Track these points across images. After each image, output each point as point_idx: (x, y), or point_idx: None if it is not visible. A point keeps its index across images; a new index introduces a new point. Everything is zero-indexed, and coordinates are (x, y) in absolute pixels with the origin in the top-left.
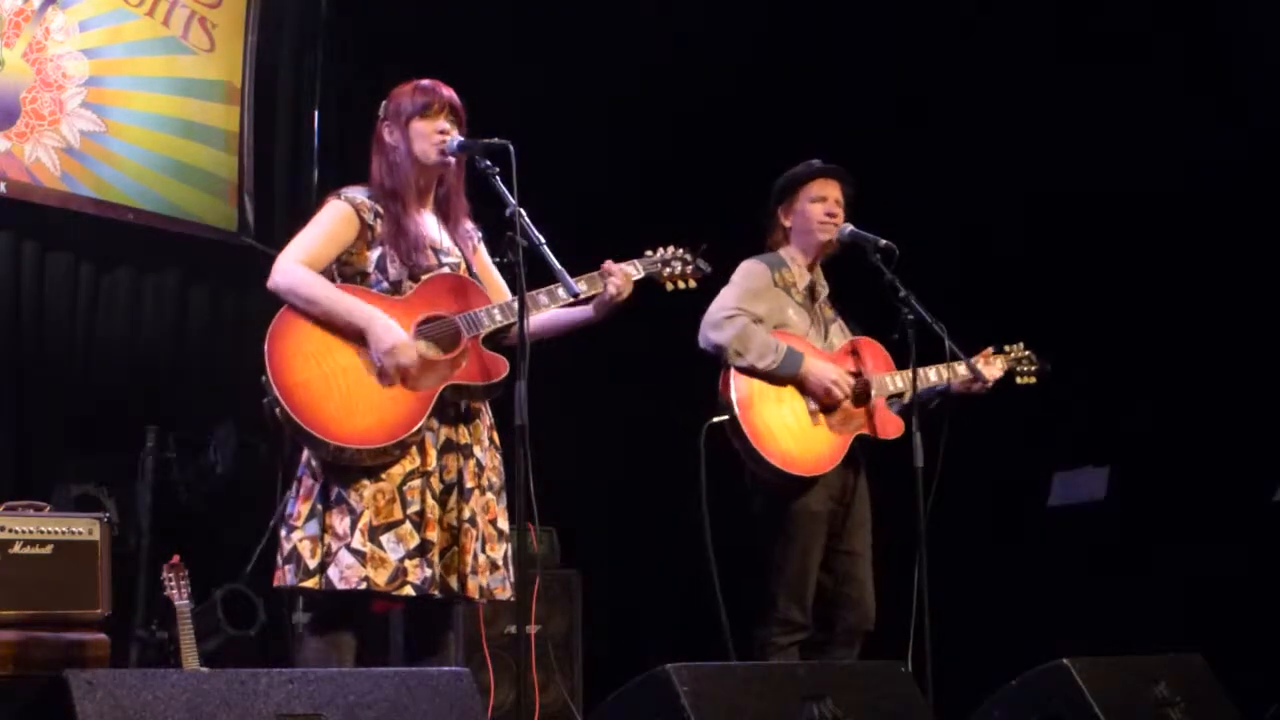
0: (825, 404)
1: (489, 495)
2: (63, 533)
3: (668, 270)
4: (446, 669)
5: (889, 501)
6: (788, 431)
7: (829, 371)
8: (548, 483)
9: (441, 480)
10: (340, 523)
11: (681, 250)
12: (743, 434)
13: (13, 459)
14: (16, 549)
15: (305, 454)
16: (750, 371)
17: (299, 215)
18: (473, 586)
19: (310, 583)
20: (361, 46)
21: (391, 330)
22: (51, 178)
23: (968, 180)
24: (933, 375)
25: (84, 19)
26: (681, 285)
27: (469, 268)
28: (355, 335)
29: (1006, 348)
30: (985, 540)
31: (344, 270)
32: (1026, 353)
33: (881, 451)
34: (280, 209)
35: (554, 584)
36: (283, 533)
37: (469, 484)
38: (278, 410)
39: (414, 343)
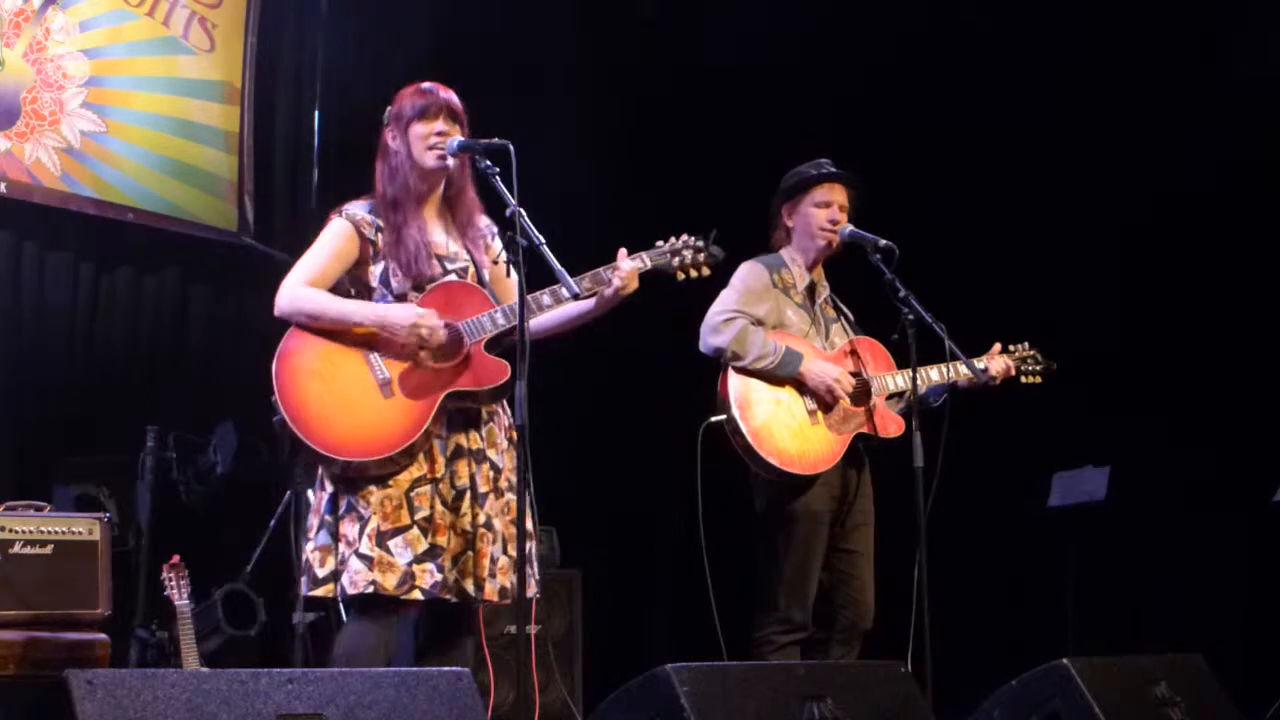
0: (825, 403)
1: (508, 496)
2: (63, 533)
3: (678, 260)
4: (447, 669)
5: (889, 501)
6: (786, 431)
7: (829, 370)
8: (548, 483)
9: (452, 486)
10: (351, 530)
11: (693, 238)
12: (741, 434)
13: (13, 459)
14: (17, 549)
15: (320, 467)
16: (750, 372)
17: (299, 215)
18: (491, 590)
19: (321, 590)
20: (361, 46)
21: (407, 309)
22: (51, 178)
23: (968, 180)
24: (934, 374)
25: (84, 19)
26: (694, 274)
27: (478, 270)
28: (363, 343)
29: (1011, 346)
30: (985, 540)
31: (347, 286)
32: (1032, 352)
33: (881, 451)
34: (280, 209)
35: (554, 584)
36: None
37: (483, 488)
38: (289, 431)
39: (431, 311)
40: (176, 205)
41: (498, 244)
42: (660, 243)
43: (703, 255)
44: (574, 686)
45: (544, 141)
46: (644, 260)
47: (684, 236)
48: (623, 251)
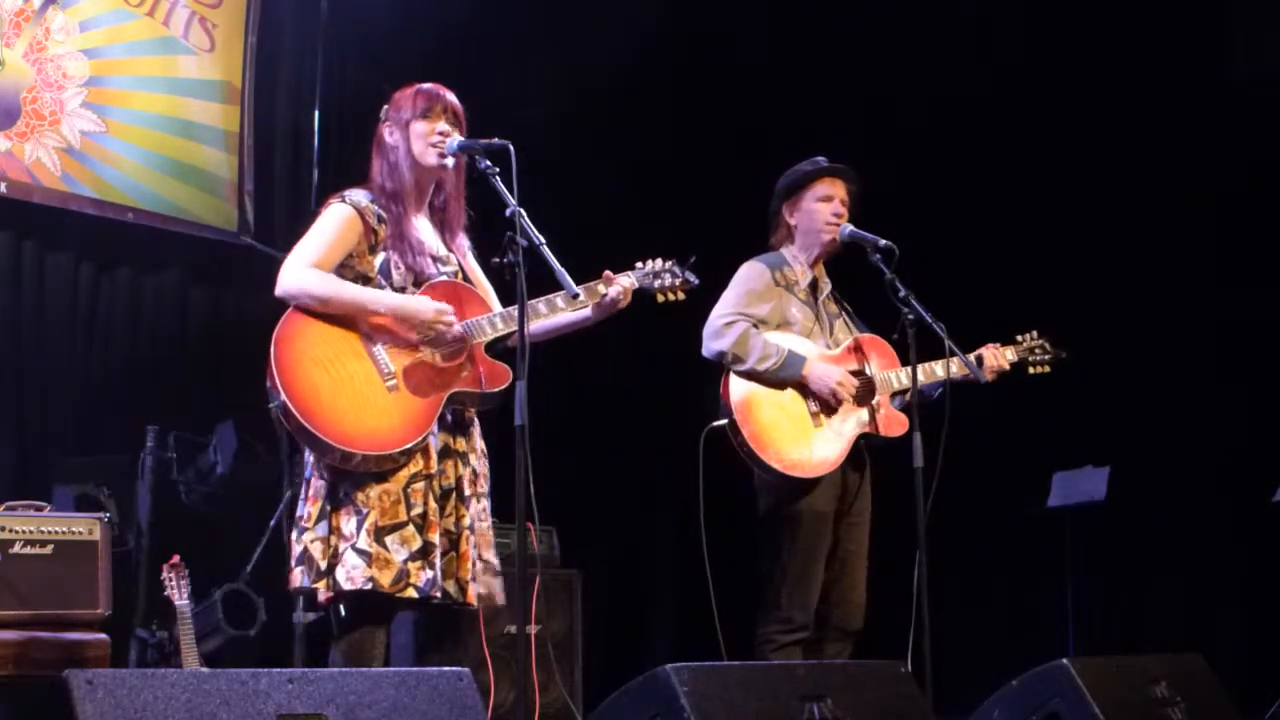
0: (828, 405)
1: (485, 501)
2: (63, 533)
3: (658, 282)
4: (447, 669)
5: (889, 501)
6: (788, 435)
7: (832, 374)
8: (548, 483)
9: (440, 485)
10: (347, 523)
11: (671, 263)
12: (743, 438)
13: (13, 459)
14: (17, 549)
15: (312, 455)
16: (752, 375)
17: (299, 215)
18: (472, 593)
19: (321, 584)
20: (361, 46)
21: (425, 299)
22: (51, 178)
23: (968, 180)
24: (939, 370)
25: (84, 19)
26: (671, 297)
27: (466, 276)
28: (366, 333)
29: (1019, 337)
30: (985, 540)
31: (343, 274)
32: (1040, 341)
33: (881, 451)
34: (280, 209)
35: (554, 584)
36: (294, 535)
37: (467, 490)
38: (286, 415)
39: (450, 307)
40: (176, 205)
41: (473, 260)
42: (640, 264)
43: (679, 280)
44: (574, 686)
45: (540, 142)
46: (632, 279)
47: (661, 260)
48: (608, 272)
